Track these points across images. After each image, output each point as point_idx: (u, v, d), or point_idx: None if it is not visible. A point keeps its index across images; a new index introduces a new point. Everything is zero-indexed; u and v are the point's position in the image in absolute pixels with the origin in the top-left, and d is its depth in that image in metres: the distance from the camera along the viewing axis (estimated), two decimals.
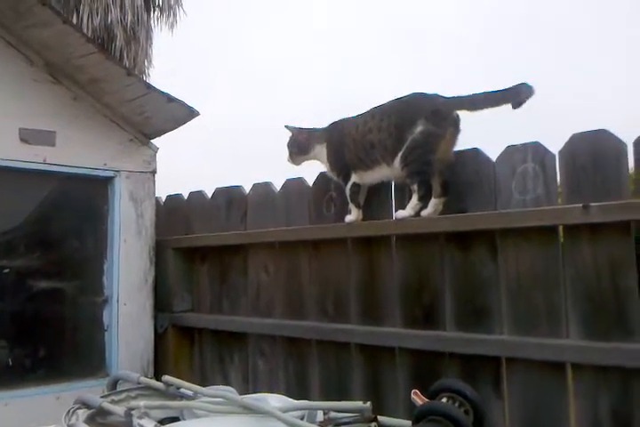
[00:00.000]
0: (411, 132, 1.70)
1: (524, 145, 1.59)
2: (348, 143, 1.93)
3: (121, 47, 7.96)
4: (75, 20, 7.65)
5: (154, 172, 2.51)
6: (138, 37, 8.32)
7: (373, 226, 1.87)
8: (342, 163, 1.96)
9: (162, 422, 1.66)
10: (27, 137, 2.19)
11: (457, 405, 1.29)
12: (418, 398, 1.31)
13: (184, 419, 1.68)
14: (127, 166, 2.43)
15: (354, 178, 1.92)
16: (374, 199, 1.95)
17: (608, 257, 1.43)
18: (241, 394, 1.96)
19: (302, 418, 1.44)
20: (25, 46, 2.21)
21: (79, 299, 2.33)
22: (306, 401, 1.53)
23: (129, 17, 8.20)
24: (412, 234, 1.79)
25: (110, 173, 2.39)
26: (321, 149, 2.03)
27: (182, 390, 1.73)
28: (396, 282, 1.84)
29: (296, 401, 1.53)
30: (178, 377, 2.44)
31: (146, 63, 8.40)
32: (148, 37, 8.70)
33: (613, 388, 1.41)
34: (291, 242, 2.14)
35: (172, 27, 9.10)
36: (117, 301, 2.34)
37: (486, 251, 1.65)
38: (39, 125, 2.22)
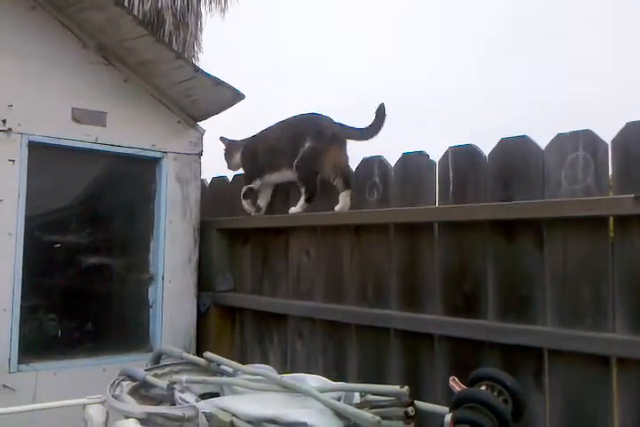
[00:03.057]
0: (302, 145, 2.16)
1: (575, 133, 1.55)
2: (261, 151, 2.37)
3: (170, 32, 8.03)
4: (126, 4, 7.76)
5: (200, 154, 2.55)
6: (187, 23, 8.39)
7: (415, 212, 1.86)
8: (252, 169, 2.43)
9: (202, 396, 1.71)
10: (79, 117, 2.25)
11: (496, 394, 1.28)
12: (456, 385, 1.31)
13: (223, 395, 1.72)
14: (174, 148, 2.47)
15: (256, 183, 2.41)
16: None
17: None
18: (279, 374, 2.00)
19: (339, 399, 1.46)
20: (79, 29, 2.26)
21: (126, 276, 2.40)
22: (343, 383, 1.54)
23: (179, 2, 8.27)
24: (456, 222, 1.78)
25: (158, 154, 2.43)
26: (239, 157, 2.49)
27: (223, 366, 1.77)
28: (437, 270, 1.83)
29: (334, 382, 1.54)
30: (218, 355, 2.55)
31: (195, 48, 8.47)
32: (198, 23, 8.77)
33: None
34: (332, 226, 2.15)
35: (222, 12, 9.14)
36: (162, 278, 2.40)
37: (532, 240, 1.62)
38: (91, 106, 2.28)
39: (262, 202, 2.47)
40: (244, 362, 2.45)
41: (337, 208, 2.13)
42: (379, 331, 1.96)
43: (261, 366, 1.76)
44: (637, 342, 1.39)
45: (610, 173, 1.49)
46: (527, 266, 1.63)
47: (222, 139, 2.59)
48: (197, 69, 2.27)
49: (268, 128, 2.40)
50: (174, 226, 2.44)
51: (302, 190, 2.19)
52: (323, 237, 2.22)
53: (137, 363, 2.29)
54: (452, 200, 1.82)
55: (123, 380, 1.81)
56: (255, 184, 2.40)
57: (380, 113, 2.13)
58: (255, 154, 2.40)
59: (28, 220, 2.11)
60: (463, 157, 1.81)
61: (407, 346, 1.89)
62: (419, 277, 1.89)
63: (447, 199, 1.84)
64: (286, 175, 2.26)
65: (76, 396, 1.81)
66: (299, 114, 2.28)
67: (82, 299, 2.28)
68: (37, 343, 2.15)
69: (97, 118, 2.29)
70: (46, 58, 2.20)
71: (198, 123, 2.56)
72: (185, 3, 8.43)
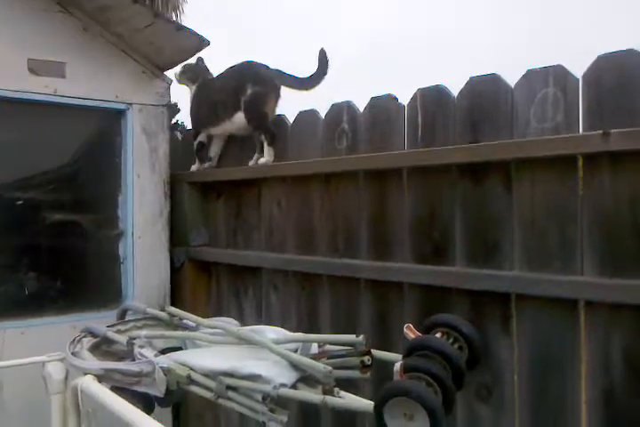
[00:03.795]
0: (244, 94, 2.15)
1: (545, 68, 1.45)
2: (203, 103, 2.36)
3: None
4: None
5: (168, 105, 2.45)
6: None
7: (383, 158, 1.78)
8: (197, 122, 2.43)
9: (164, 351, 1.67)
10: (36, 68, 2.14)
11: (451, 340, 1.23)
12: (410, 333, 1.26)
13: (186, 348, 1.69)
14: (139, 99, 2.37)
15: (200, 137, 2.41)
16: None
17: (629, 189, 1.31)
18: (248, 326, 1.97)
19: (296, 351, 1.42)
20: None
21: (95, 232, 2.34)
22: (301, 333, 1.50)
23: None
24: (424, 166, 1.70)
25: (122, 106, 2.34)
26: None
27: (185, 321, 1.73)
28: (407, 218, 1.77)
29: (291, 333, 1.50)
30: (195, 311, 2.50)
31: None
32: None
33: (628, 327, 1.32)
34: (301, 176, 2.07)
35: None
36: (132, 234, 2.34)
37: (500, 183, 1.54)
38: (49, 56, 2.17)
39: (212, 153, 2.43)
40: (220, 316, 2.44)
41: (262, 161, 2.14)
42: (349, 281, 1.90)
43: (223, 318, 1.73)
44: (606, 285, 1.33)
45: (580, 109, 1.40)
46: (495, 210, 1.55)
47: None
48: (157, 15, 2.15)
49: (210, 80, 2.39)
50: (142, 180, 2.36)
51: (262, 137, 2.16)
52: (293, 187, 2.14)
53: (108, 320, 2.25)
54: (421, 145, 1.74)
55: (84, 336, 1.78)
56: (202, 137, 2.41)
57: (323, 60, 2.09)
58: (199, 106, 2.38)
59: None
60: (432, 98, 1.72)
61: (377, 295, 1.84)
62: (388, 226, 1.82)
63: (416, 144, 1.75)
64: (229, 127, 2.26)
65: (43, 354, 1.79)
66: (236, 64, 2.26)
67: (49, 256, 2.23)
68: (3, 302, 2.11)
69: (55, 69, 2.18)
70: None
71: (165, 73, 2.44)
72: None
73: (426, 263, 1.70)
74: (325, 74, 2.13)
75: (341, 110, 1.97)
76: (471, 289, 1.55)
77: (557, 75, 1.43)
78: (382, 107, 1.85)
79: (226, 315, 2.40)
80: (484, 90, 1.58)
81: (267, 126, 2.15)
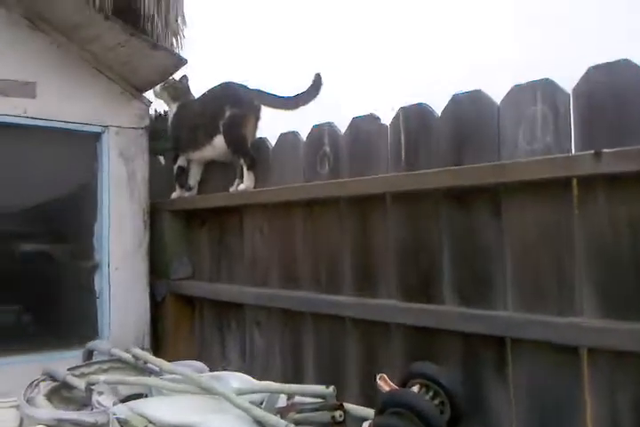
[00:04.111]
0: (222, 117, 2.04)
1: (532, 84, 1.31)
2: (184, 127, 2.24)
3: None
4: None
5: (147, 127, 2.33)
6: None
7: (364, 183, 1.64)
8: (176, 146, 2.31)
9: (128, 398, 1.53)
10: (3, 88, 2.04)
11: (431, 394, 1.08)
12: (384, 385, 1.11)
13: (151, 395, 1.55)
14: (117, 121, 2.26)
15: (180, 161, 2.30)
16: None
17: (629, 215, 1.16)
18: (238, 367, 1.83)
19: (262, 402, 1.27)
20: None
21: (69, 263, 2.21)
22: (267, 383, 1.35)
23: None
24: (407, 191, 1.55)
25: (98, 129, 2.22)
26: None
27: (149, 364, 1.59)
28: (391, 248, 1.62)
29: (257, 383, 1.35)
30: (177, 347, 2.37)
31: (179, 21, 7.89)
32: None
33: (637, 375, 1.16)
34: (282, 203, 1.94)
35: None
36: (108, 266, 2.21)
37: (488, 209, 1.40)
38: (17, 76, 2.07)
39: (192, 180, 2.32)
40: (204, 354, 2.29)
41: (241, 187, 2.02)
42: (333, 318, 1.75)
43: (190, 362, 1.58)
44: (608, 329, 1.17)
45: (572, 127, 1.25)
46: (485, 239, 1.40)
47: None
48: (131, 33, 2.04)
49: (191, 102, 2.28)
50: (119, 208, 2.24)
51: (241, 161, 2.03)
52: (275, 215, 2.00)
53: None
54: (405, 168, 1.60)
55: (43, 380, 1.64)
56: (182, 161, 2.30)
57: (317, 83, 2.00)
58: (180, 129, 2.27)
59: None
60: (415, 118, 1.58)
61: (363, 334, 1.69)
62: (372, 257, 1.67)
63: (399, 167, 1.61)
64: (210, 152, 2.15)
65: (9, 397, 1.65)
66: (215, 86, 2.17)
67: (18, 290, 2.10)
68: None
69: (25, 89, 2.08)
70: None
71: (144, 94, 2.34)
72: None
73: (412, 299, 1.54)
74: (316, 96, 2.03)
75: (322, 132, 1.84)
76: (462, 331, 1.39)
77: (546, 90, 1.29)
78: (363, 128, 1.71)
79: (209, 353, 2.27)
80: (468, 109, 1.44)
81: (245, 150, 2.03)
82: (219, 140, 2.08)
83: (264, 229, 2.05)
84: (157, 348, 2.34)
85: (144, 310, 2.27)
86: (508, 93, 1.36)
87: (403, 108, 1.61)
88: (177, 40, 8.15)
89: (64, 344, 2.10)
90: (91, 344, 1.78)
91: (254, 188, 2.03)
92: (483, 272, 1.40)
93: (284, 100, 2.05)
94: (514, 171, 1.29)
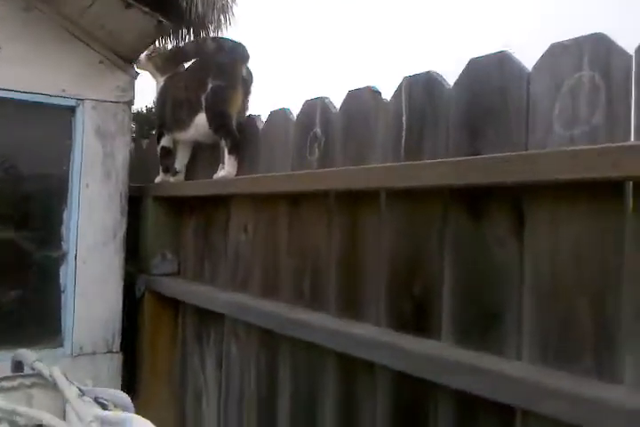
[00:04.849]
0: (203, 91, 1.73)
1: (577, 41, 0.91)
2: (167, 103, 1.93)
3: None
4: None
5: (130, 102, 2.02)
6: None
7: (355, 174, 1.27)
8: (160, 124, 2.02)
9: None
10: None
11: None
12: None
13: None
14: (94, 94, 1.95)
15: (164, 141, 1.98)
16: None
17: None
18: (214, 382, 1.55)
19: None
20: None
21: (34, 253, 1.93)
22: None
23: None
24: (404, 188, 1.18)
25: (71, 102, 1.93)
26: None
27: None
28: (383, 260, 1.25)
29: None
30: (156, 355, 2.07)
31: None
32: None
33: None
34: (267, 195, 1.60)
35: None
36: (75, 258, 1.92)
37: (505, 220, 1.01)
38: None
39: (178, 164, 2.00)
40: (184, 364, 1.99)
41: (220, 174, 1.70)
42: (311, 346, 1.39)
43: (111, 392, 1.25)
44: None
45: (633, 104, 0.85)
46: (498, 261, 1.02)
47: None
48: None
49: (178, 74, 1.96)
50: (92, 191, 1.94)
51: (222, 142, 1.72)
52: (260, 209, 1.66)
53: (43, 361, 1.86)
54: (405, 156, 1.22)
55: None
56: (166, 142, 1.99)
57: None
58: (164, 105, 1.97)
59: None
60: (421, 90, 1.20)
61: (344, 373, 1.33)
62: (360, 270, 1.31)
63: (398, 156, 1.24)
64: (193, 132, 1.84)
65: None
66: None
67: None
68: None
69: None
70: None
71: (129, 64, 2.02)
72: None
73: (403, 329, 1.17)
74: None
75: (314, 109, 1.48)
76: (457, 389, 1.01)
77: (596, 51, 0.89)
78: (359, 104, 1.34)
79: (189, 363, 1.97)
80: (488, 77, 1.05)
81: (228, 129, 1.69)
82: (200, 118, 1.76)
83: (248, 224, 1.71)
84: (131, 354, 2.06)
85: (116, 307, 1.98)
86: (543, 55, 0.97)
87: (407, 78, 1.23)
88: (225, 19, 7.82)
89: (23, 343, 1.83)
90: (17, 353, 1.49)
91: (237, 175, 1.71)
92: (491, 306, 1.02)
93: None
94: (543, 166, 0.89)
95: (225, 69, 1.71)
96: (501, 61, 1.03)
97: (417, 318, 1.16)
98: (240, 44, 1.77)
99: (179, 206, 2.08)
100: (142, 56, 1.96)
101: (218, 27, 7.24)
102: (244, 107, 1.75)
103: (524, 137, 0.99)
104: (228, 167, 1.68)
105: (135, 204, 2.08)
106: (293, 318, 1.39)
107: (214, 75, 1.71)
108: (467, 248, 1.07)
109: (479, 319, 1.04)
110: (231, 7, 7.29)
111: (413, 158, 1.19)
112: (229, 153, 1.67)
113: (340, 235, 1.36)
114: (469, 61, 1.10)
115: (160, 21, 1.80)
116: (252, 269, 1.68)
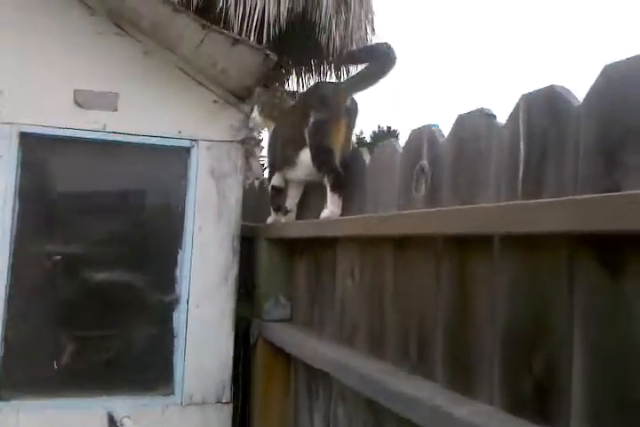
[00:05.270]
0: (307, 127, 1.62)
1: None
2: (279, 139, 1.86)
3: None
4: None
5: (244, 141, 1.96)
6: None
7: (462, 216, 1.03)
8: (270, 162, 1.94)
9: None
10: (82, 100, 1.82)
11: None
12: None
13: None
14: (208, 134, 1.92)
15: (274, 180, 1.88)
16: None
17: None
18: None
19: None
20: None
21: (147, 297, 1.90)
22: None
23: None
24: (521, 234, 0.93)
25: (186, 143, 1.90)
26: None
27: None
28: (496, 321, 0.99)
29: None
30: (266, 406, 1.94)
31: (367, 29, 7.02)
32: None
33: None
34: (371, 238, 1.40)
35: None
36: (187, 302, 1.86)
37: None
38: (99, 86, 1.84)
39: (289, 203, 1.87)
40: (296, 419, 1.83)
41: (324, 214, 1.54)
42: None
43: None
44: None
45: None
46: (634, 329, 0.73)
47: None
48: (205, 25, 1.67)
49: (285, 111, 1.92)
50: (205, 233, 1.88)
51: (325, 180, 1.57)
52: (365, 253, 1.47)
53: (150, 409, 1.82)
54: (522, 192, 0.97)
55: None
56: (276, 181, 1.88)
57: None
58: (275, 144, 1.90)
59: (17, 227, 1.75)
60: (542, 109, 0.95)
61: None
62: (469, 334, 1.06)
63: (515, 192, 0.99)
64: (299, 170, 1.73)
65: None
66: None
67: (87, 324, 1.85)
68: (24, 376, 1.76)
69: (105, 101, 1.84)
70: (43, 30, 1.82)
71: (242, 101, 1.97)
72: None
73: (519, 411, 0.91)
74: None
75: (421, 139, 1.27)
76: None
77: None
78: (469, 131, 1.12)
79: (300, 423, 1.80)
80: (631, 87, 0.79)
81: (330, 165, 1.55)
82: (305, 154, 1.63)
83: (354, 267, 1.52)
84: (242, 401, 1.94)
85: (226, 357, 1.88)
86: None
87: (525, 95, 0.99)
88: (372, 29, 7.43)
89: (135, 389, 1.80)
90: (110, 406, 1.43)
91: (343, 214, 1.54)
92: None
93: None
94: None
95: (327, 102, 1.58)
96: None
97: (537, 405, 0.89)
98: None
99: (290, 247, 1.95)
100: (257, 117, 1.94)
101: None
102: (348, 140, 1.59)
103: None
104: (331, 206, 1.52)
105: (248, 245, 2.00)
106: (394, 389, 1.16)
107: (316, 107, 1.58)
108: (604, 315, 0.79)
109: (619, 406, 0.74)
110: (371, 40, 7.19)
111: (533, 195, 0.93)
112: (332, 191, 1.52)
113: (448, 286, 1.13)
114: (604, 68, 0.84)
115: (267, 55, 1.71)
116: (359, 320, 1.48)
